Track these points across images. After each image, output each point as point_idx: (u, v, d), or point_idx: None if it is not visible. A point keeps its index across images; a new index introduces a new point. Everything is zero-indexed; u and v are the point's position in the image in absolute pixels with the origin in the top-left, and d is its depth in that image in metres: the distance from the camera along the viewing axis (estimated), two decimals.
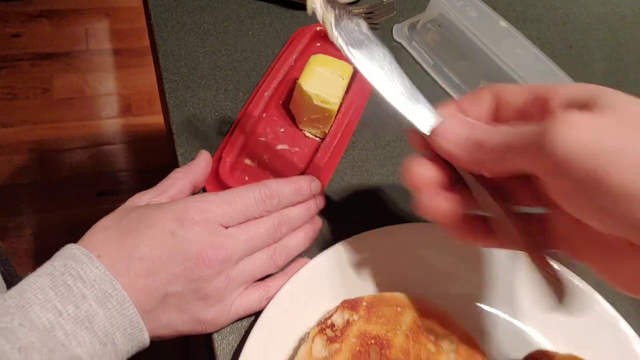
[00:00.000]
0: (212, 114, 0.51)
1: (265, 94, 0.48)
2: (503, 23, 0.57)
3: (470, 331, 0.41)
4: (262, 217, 0.42)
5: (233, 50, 0.56)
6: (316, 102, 0.47)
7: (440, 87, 0.59)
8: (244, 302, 0.41)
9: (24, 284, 0.34)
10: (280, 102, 0.52)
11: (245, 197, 0.41)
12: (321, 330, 0.39)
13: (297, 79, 0.48)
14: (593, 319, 0.45)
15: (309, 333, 0.39)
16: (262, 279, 0.43)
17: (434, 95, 0.57)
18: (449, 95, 0.58)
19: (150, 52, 0.57)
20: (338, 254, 0.43)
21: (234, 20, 0.58)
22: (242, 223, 0.41)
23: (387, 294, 0.42)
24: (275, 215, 0.42)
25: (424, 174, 0.35)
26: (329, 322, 0.40)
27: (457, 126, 0.34)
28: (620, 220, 0.26)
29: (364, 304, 0.41)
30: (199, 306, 0.39)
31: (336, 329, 0.40)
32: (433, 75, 0.59)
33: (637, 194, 0.25)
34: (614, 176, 0.25)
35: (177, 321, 0.39)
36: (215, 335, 0.41)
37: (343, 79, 0.49)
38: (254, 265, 0.41)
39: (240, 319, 0.42)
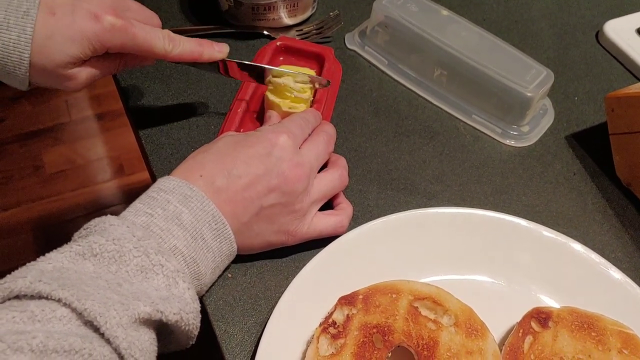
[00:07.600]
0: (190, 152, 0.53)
1: (239, 110, 0.51)
2: (444, 12, 0.59)
3: (466, 303, 0.43)
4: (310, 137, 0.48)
5: (197, 87, 0.58)
6: (285, 108, 0.50)
7: (399, 82, 0.61)
8: (321, 223, 0.46)
9: None
10: (255, 116, 0.54)
11: (301, 119, 0.48)
12: (324, 330, 0.41)
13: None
14: (583, 269, 0.47)
15: (313, 334, 0.41)
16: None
17: (394, 91, 0.60)
18: (408, 89, 0.61)
19: None
20: (328, 256, 0.45)
21: None
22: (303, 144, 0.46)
23: (381, 284, 0.43)
24: (321, 135, 0.48)
25: None
26: (330, 320, 0.42)
27: None
28: None
29: (360, 297, 0.43)
30: (287, 219, 0.44)
31: (338, 326, 0.41)
32: (390, 73, 0.61)
33: None
34: None
35: (268, 230, 0.44)
36: (223, 348, 0.43)
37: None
38: (327, 186, 0.47)
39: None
